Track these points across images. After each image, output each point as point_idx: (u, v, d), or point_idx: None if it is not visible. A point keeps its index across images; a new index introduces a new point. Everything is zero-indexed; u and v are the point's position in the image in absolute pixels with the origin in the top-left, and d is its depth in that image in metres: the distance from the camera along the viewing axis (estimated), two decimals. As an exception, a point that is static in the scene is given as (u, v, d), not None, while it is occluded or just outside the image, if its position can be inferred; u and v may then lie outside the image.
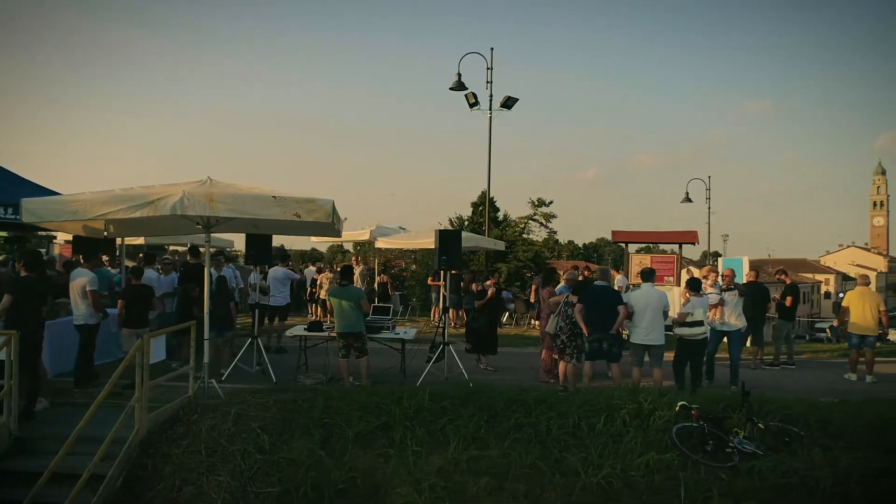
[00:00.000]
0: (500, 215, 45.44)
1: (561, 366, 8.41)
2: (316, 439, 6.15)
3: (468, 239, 16.66)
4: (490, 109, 17.24)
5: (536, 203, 46.08)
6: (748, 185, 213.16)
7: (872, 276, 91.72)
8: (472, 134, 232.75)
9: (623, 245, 16.97)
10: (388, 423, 6.39)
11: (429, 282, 17.66)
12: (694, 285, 8.36)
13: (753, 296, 10.72)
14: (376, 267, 18.72)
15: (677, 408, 6.68)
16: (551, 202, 45.52)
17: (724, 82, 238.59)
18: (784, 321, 11.26)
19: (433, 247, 15.67)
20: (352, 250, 34.27)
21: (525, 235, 43.62)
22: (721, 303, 9.01)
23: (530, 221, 45.84)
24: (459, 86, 16.79)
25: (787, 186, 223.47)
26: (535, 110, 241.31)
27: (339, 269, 17.28)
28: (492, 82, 17.17)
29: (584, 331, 8.01)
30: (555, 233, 53.76)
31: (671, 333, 8.56)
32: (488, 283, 10.28)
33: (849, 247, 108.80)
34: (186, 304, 9.77)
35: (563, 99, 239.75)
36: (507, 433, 6.32)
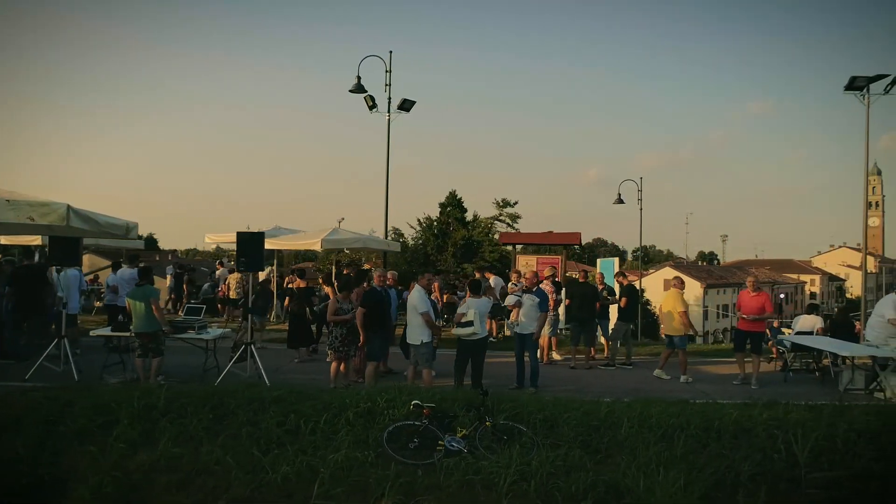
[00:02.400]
0: (469, 216, 45.84)
1: (332, 365, 8.60)
2: (31, 436, 6.32)
3: (355, 240, 16.83)
4: (389, 112, 17.40)
5: (501, 203, 46.44)
6: (749, 185, 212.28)
7: (859, 275, 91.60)
8: (472, 136, 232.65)
9: (511, 247, 17.11)
10: (112, 420, 6.57)
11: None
12: (473, 287, 8.51)
13: (580, 296, 10.89)
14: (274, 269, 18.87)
15: (411, 406, 6.85)
16: (516, 203, 45.84)
17: (725, 82, 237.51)
18: (621, 322, 11.37)
19: (319, 248, 16.00)
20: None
21: (494, 236, 43.86)
22: (517, 304, 9.13)
23: (496, 222, 46.11)
24: (358, 88, 16.96)
25: (789, 187, 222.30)
26: (536, 110, 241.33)
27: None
28: (390, 85, 17.33)
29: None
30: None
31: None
32: (293, 280, 10.50)
33: (840, 247, 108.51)
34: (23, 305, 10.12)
35: (565, 99, 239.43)
36: (226, 431, 6.49)
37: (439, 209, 45.57)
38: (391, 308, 8.73)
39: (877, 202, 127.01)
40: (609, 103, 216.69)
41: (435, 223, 44.13)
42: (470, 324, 8.18)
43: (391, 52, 17.32)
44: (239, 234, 8.93)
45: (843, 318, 11.45)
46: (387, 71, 17.24)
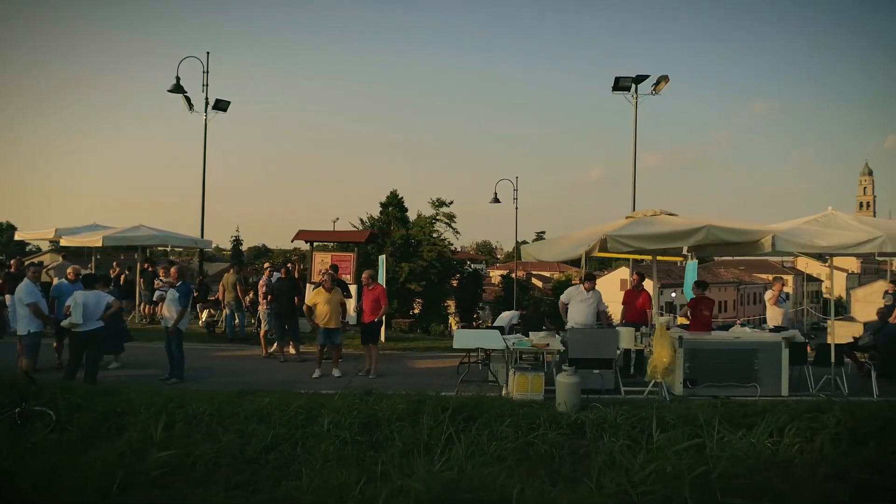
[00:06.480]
0: (411, 215, 46.04)
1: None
2: None
3: (152, 237, 16.79)
4: (206, 112, 17.67)
5: (437, 203, 46.35)
6: (752, 185, 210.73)
7: (843, 276, 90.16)
8: (468, 134, 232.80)
9: (308, 244, 17.22)
10: None
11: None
12: (85, 280, 8.76)
13: (278, 291, 11.07)
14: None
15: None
16: (451, 202, 45.86)
17: (729, 82, 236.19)
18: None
19: (99, 244, 16.08)
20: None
21: (433, 235, 43.96)
22: (160, 299, 9.30)
23: (435, 221, 46.10)
24: (177, 88, 17.20)
25: (792, 187, 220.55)
26: (537, 110, 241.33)
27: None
28: (207, 85, 17.59)
29: None
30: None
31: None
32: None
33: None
34: None
35: (566, 99, 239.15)
36: None
37: (380, 208, 45.96)
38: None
39: (868, 202, 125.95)
40: (610, 103, 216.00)
41: (376, 222, 44.47)
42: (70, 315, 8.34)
43: (208, 52, 17.71)
44: None
45: (534, 312, 11.64)
46: (204, 72, 17.54)
